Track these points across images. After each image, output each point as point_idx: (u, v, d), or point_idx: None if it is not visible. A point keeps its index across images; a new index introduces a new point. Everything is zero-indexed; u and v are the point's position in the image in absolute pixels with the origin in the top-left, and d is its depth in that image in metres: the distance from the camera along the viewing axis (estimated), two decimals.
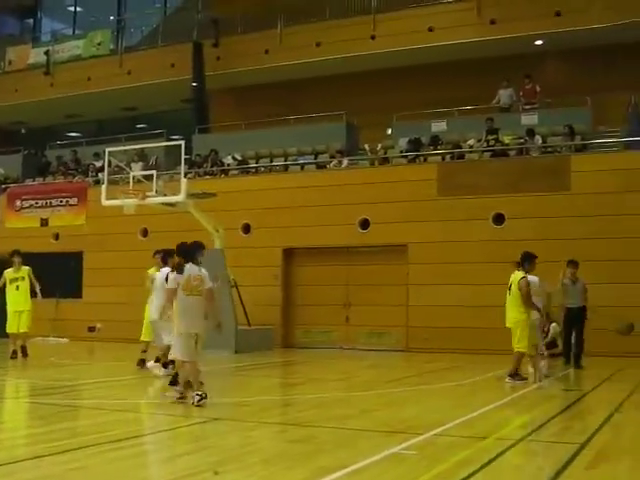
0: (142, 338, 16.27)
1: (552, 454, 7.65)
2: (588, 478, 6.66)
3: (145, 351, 16.11)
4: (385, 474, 6.76)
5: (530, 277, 14.05)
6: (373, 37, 26.45)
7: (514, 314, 13.97)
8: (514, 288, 13.98)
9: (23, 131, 37.28)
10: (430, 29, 25.61)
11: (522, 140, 22.51)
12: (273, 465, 7.03)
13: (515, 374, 13.88)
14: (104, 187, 20.96)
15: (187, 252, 11.35)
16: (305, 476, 6.50)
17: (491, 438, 8.36)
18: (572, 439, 8.44)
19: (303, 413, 10.75)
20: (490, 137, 22.86)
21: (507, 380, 13.82)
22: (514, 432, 8.70)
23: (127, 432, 8.66)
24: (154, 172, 20.29)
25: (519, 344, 13.87)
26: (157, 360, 14.86)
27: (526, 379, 13.86)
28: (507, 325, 14.20)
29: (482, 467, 6.88)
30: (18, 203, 27.72)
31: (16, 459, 7.18)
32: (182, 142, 20.16)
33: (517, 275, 14.12)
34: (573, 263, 16.82)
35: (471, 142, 23.30)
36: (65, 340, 25.15)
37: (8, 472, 6.69)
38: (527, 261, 14.17)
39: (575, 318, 16.69)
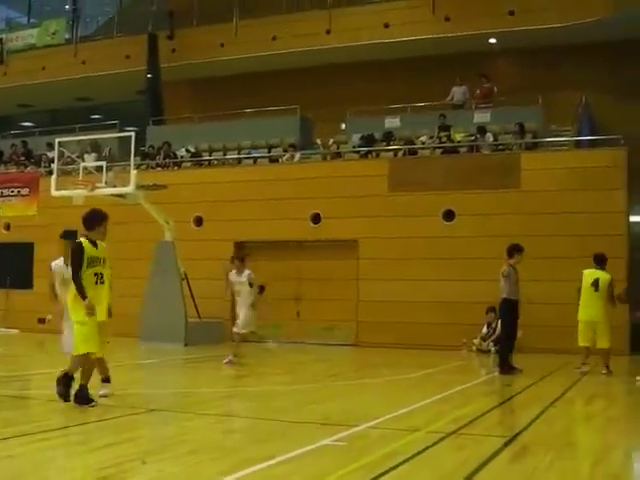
0: None
1: (479, 448, 7.74)
2: (508, 471, 6.78)
3: None
4: (311, 465, 6.83)
5: None
6: (329, 32, 26.51)
7: (602, 311, 15.16)
8: (603, 286, 14.99)
9: None
10: (386, 25, 25.76)
11: (474, 137, 22.69)
12: (202, 455, 7.08)
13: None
14: (54, 177, 20.90)
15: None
16: (231, 466, 6.55)
17: (422, 431, 8.46)
18: (502, 433, 8.60)
19: (242, 405, 10.83)
20: (442, 134, 23.02)
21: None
22: (446, 426, 8.79)
23: (61, 422, 8.67)
24: (103, 163, 20.24)
25: (608, 342, 15.13)
26: None
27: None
28: (594, 320, 15.22)
29: (408, 459, 6.98)
30: None
31: None
32: (133, 133, 20.14)
33: (604, 275, 15.14)
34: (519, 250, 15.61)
35: (423, 138, 23.46)
36: (15, 331, 24.96)
37: None
38: (605, 262, 15.33)
39: (516, 312, 15.33)
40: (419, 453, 7.27)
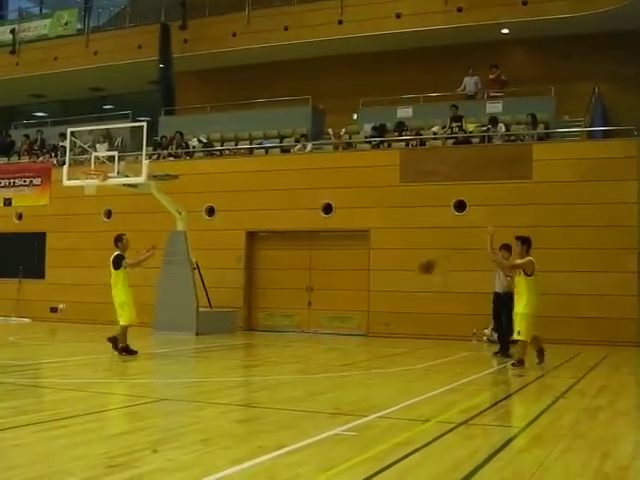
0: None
1: (490, 437, 7.77)
2: (519, 460, 6.79)
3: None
4: (322, 454, 6.86)
5: None
6: (340, 22, 26.42)
7: None
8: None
9: None
10: (397, 15, 25.63)
11: (485, 128, 22.62)
12: (212, 444, 7.10)
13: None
14: (66, 167, 20.99)
15: None
16: (242, 455, 6.58)
17: (433, 421, 8.47)
18: (512, 423, 8.62)
19: (252, 394, 10.86)
20: (454, 124, 22.98)
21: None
22: (456, 416, 8.80)
23: (73, 411, 8.71)
24: (116, 153, 20.27)
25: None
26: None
27: None
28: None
29: (418, 449, 6.98)
30: None
31: None
32: (144, 123, 20.15)
33: None
34: (506, 247, 15.68)
35: (435, 129, 23.40)
36: (27, 320, 25.12)
37: None
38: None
39: (502, 303, 15.76)
40: (429, 443, 7.28)
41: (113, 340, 14.92)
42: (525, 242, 14.27)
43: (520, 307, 13.73)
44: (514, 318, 13.92)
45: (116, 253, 15.07)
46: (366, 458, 6.64)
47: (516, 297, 14.01)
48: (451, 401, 10.20)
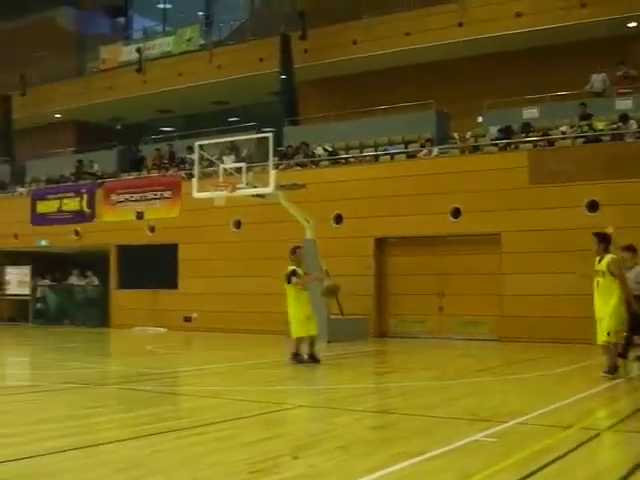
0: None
1: (635, 446, 7.50)
2: None
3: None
4: (461, 461, 6.75)
5: None
6: (461, 24, 26.18)
7: None
8: None
9: (118, 127, 38.02)
10: (518, 14, 25.23)
11: (616, 125, 21.98)
12: (351, 451, 7.09)
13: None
14: (195, 180, 21.40)
15: None
16: (381, 462, 6.54)
17: (575, 428, 8.24)
18: None
19: (387, 401, 10.80)
20: (583, 123, 22.43)
21: None
22: (599, 422, 8.58)
23: (211, 418, 8.83)
24: (243, 164, 20.55)
25: None
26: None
27: None
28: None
29: (561, 457, 6.80)
30: (114, 197, 28.41)
31: (99, 442, 7.42)
32: (270, 134, 20.37)
33: None
34: (629, 248, 14.64)
35: (563, 128, 22.86)
36: (163, 330, 25.75)
37: (90, 454, 7.00)
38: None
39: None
40: (573, 450, 7.07)
41: (295, 356, 14.98)
42: (603, 240, 13.09)
43: (610, 308, 12.50)
44: (602, 320, 12.61)
45: (291, 268, 15.08)
46: (507, 465, 6.51)
47: (601, 298, 12.69)
48: (592, 407, 9.93)
